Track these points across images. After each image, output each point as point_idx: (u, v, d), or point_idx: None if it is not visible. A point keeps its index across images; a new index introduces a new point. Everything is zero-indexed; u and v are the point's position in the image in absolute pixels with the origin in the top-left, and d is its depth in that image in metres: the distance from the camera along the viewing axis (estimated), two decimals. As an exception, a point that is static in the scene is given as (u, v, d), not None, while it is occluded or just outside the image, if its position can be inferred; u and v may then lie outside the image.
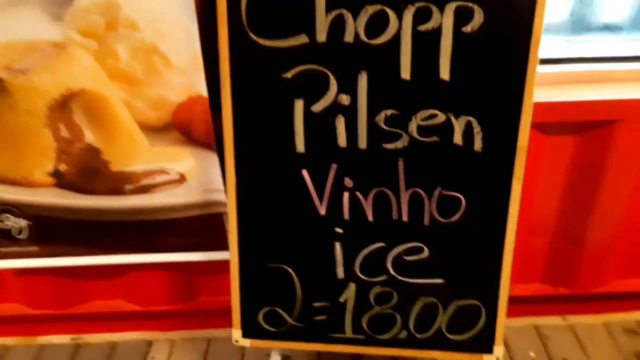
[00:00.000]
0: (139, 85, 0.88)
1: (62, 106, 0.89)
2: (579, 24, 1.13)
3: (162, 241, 1.02)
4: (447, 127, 0.86)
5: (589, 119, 1.06)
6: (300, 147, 0.88)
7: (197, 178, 0.96)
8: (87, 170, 0.94)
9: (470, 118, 0.85)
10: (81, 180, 0.94)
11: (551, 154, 1.11)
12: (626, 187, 1.14)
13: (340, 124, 0.87)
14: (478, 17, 0.79)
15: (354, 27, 0.81)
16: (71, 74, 0.87)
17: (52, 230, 0.98)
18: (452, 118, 0.85)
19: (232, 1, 0.80)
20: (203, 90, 0.88)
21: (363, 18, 0.80)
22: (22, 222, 0.97)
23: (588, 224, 1.20)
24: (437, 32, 0.81)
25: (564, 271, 1.28)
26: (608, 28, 1.12)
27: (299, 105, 0.86)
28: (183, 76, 0.87)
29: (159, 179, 0.95)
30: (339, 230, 0.93)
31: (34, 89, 0.88)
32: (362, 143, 0.88)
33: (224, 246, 1.03)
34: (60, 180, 0.94)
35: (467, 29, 0.80)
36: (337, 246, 0.94)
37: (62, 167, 0.93)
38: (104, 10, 0.82)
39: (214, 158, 0.95)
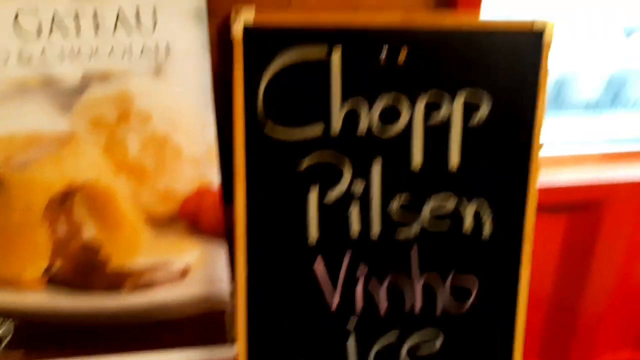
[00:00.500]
0: (148, 178, 0.85)
1: (63, 201, 0.85)
2: (560, 103, 1.21)
3: (157, 339, 0.95)
4: (458, 214, 0.88)
5: (576, 200, 1.12)
6: (313, 237, 0.87)
7: (201, 269, 0.92)
8: (84, 268, 0.88)
9: (479, 205, 0.87)
10: (76, 278, 0.88)
11: (544, 232, 1.15)
12: (615, 261, 1.18)
13: (354, 212, 0.86)
14: (484, 110, 0.83)
15: (368, 118, 0.83)
16: (75, 167, 0.83)
17: (39, 333, 0.89)
18: (462, 205, 0.87)
19: (249, 91, 0.80)
20: (214, 181, 0.86)
21: (377, 108, 0.82)
22: (9, 327, 0.88)
23: (581, 298, 1.22)
24: (446, 122, 0.84)
25: (559, 347, 1.29)
26: (588, 106, 1.21)
27: (313, 195, 0.85)
28: (194, 167, 0.85)
29: (161, 273, 0.90)
30: (353, 324, 0.90)
31: (33, 184, 0.83)
32: (376, 231, 0.87)
33: (222, 344, 0.97)
34: (54, 279, 0.87)
35: (475, 119, 0.84)
36: (351, 341, 0.90)
37: (57, 265, 0.87)
38: (117, 102, 0.81)
39: (219, 248, 0.91)
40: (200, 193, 0.87)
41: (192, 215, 0.88)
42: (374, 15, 0.79)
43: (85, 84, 0.80)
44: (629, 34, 1.22)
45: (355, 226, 0.86)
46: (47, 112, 0.81)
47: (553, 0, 1.19)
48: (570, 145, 1.17)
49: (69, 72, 0.79)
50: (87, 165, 0.84)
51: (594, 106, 1.23)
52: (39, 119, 0.81)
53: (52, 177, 0.84)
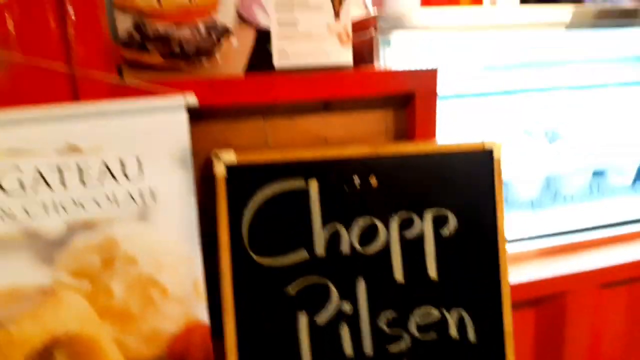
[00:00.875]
0: (133, 321, 0.83)
1: (44, 356, 0.81)
2: (508, 204, 1.33)
3: None
4: (443, 323, 0.91)
5: (541, 294, 1.19)
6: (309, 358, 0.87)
7: (191, 414, 0.87)
8: None
9: (461, 311, 0.92)
10: None
11: (517, 327, 1.20)
12: (584, 344, 1.24)
13: (345, 332, 0.88)
14: (453, 222, 0.91)
15: (349, 239, 0.88)
16: (57, 319, 0.81)
17: None
18: (446, 313, 0.91)
19: (234, 225, 0.84)
20: (203, 317, 0.86)
21: (356, 230, 0.88)
22: None
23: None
24: (420, 237, 0.90)
25: None
26: (532, 205, 1.34)
27: (302, 319, 0.86)
28: (181, 305, 0.85)
29: (149, 423, 0.85)
30: None
31: (11, 341, 0.79)
32: (368, 349, 0.89)
33: None
34: None
35: (445, 232, 0.91)
36: None
37: None
38: (102, 249, 0.81)
39: (209, 388, 0.88)
40: (189, 330, 0.86)
41: (180, 354, 0.86)
42: (344, 148, 0.87)
43: (69, 234, 0.80)
44: (551, 139, 1.39)
45: (347, 348, 0.88)
46: (28, 266, 0.79)
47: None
48: (521, 242, 1.26)
49: (53, 225, 0.80)
50: (70, 316, 0.81)
51: (537, 204, 1.36)
52: (20, 273, 0.79)
53: (32, 332, 0.80)
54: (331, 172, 0.86)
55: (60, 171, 0.80)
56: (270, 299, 0.86)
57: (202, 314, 0.86)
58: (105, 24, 0.84)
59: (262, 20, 0.98)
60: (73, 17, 0.81)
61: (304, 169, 0.86)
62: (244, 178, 0.84)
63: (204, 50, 0.96)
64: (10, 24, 0.79)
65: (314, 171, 0.86)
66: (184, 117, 0.82)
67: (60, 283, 0.81)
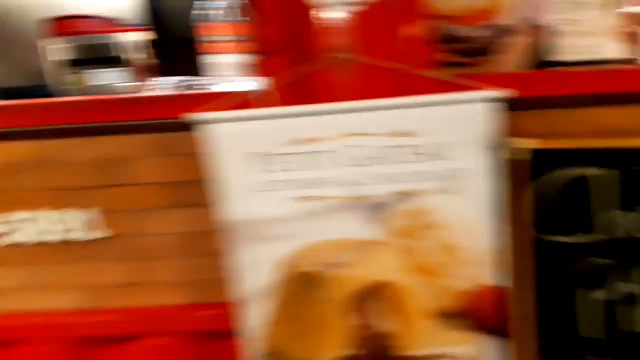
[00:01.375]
0: (435, 278, 1.00)
1: (362, 297, 1.01)
2: None
3: None
4: None
5: None
6: (585, 332, 0.96)
7: (474, 362, 1.02)
8: (377, 355, 1.02)
9: None
10: (370, 365, 1.02)
11: None
12: None
13: (621, 311, 0.95)
14: None
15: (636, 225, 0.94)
16: (376, 269, 1.00)
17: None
18: None
19: (529, 204, 0.95)
20: (497, 282, 0.99)
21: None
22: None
23: None
24: None
25: None
26: None
27: (580, 294, 0.96)
28: (478, 269, 1.00)
29: (440, 363, 1.02)
30: None
31: (340, 282, 1.01)
32: (644, 328, 0.95)
33: None
34: (351, 365, 1.02)
35: None
36: None
37: (354, 352, 1.02)
38: (415, 215, 0.99)
39: (497, 344, 1.02)
40: (484, 291, 1.00)
41: (473, 312, 1.01)
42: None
43: (390, 201, 0.99)
44: None
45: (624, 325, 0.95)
46: (356, 223, 1.00)
47: None
48: None
49: (378, 193, 0.99)
50: (384, 267, 1.00)
51: None
52: (350, 229, 1.00)
53: (356, 276, 1.01)
54: (625, 161, 0.93)
55: (385, 150, 0.98)
56: (552, 273, 0.96)
57: (497, 279, 1.00)
58: (424, 30, 1.00)
59: (543, 20, 1.08)
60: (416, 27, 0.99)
61: (598, 156, 0.94)
62: (543, 162, 0.95)
63: (493, 48, 1.09)
64: (356, 36, 0.99)
65: (607, 159, 0.93)
66: (491, 107, 0.95)
67: (380, 240, 1.00)
